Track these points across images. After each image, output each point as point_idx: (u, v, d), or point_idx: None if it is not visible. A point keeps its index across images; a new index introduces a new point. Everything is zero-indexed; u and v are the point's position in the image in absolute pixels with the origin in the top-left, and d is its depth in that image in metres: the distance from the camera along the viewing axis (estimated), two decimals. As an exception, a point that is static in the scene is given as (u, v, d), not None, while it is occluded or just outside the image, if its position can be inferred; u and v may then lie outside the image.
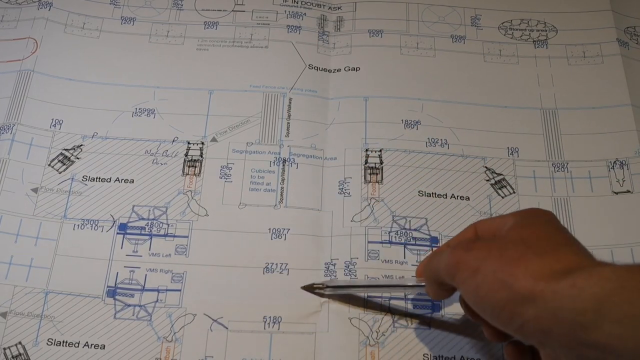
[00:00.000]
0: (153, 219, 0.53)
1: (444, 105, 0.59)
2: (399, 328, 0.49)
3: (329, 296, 0.50)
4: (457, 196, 0.54)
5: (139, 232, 0.52)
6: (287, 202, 0.54)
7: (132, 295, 0.50)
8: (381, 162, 0.56)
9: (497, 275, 0.36)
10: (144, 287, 0.50)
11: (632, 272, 0.32)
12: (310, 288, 0.50)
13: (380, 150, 0.56)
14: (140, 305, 0.49)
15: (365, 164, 0.56)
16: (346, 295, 0.49)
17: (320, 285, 0.50)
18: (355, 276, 0.51)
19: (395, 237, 0.52)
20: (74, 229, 0.52)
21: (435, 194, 0.54)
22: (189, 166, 0.55)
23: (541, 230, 0.38)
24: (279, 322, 0.49)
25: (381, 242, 0.52)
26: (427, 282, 0.44)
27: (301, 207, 0.54)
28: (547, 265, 0.35)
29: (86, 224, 0.52)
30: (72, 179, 0.54)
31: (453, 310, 0.50)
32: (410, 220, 0.53)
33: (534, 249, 0.36)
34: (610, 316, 0.31)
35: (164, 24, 0.64)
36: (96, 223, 0.52)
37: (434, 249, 0.51)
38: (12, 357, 0.47)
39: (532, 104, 0.59)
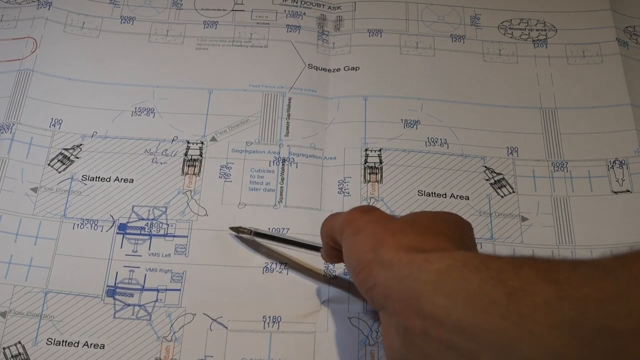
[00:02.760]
0: (153, 219, 0.53)
1: (444, 104, 0.59)
2: (398, 327, 0.49)
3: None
4: (457, 196, 0.54)
5: (138, 232, 0.52)
6: (287, 202, 0.54)
7: (132, 295, 0.50)
8: (380, 162, 0.56)
9: (372, 238, 0.37)
10: (143, 286, 0.50)
11: (479, 255, 0.33)
12: (236, 229, 0.52)
13: (380, 150, 0.56)
14: (139, 305, 0.49)
15: (365, 163, 0.56)
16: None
17: (246, 230, 0.51)
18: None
19: (395, 236, 0.52)
20: (73, 229, 0.52)
21: (434, 193, 0.54)
22: (188, 165, 0.55)
23: (439, 223, 0.39)
24: (278, 322, 0.49)
25: (381, 242, 0.52)
26: (323, 239, 0.45)
27: (301, 206, 0.54)
28: (419, 242, 0.36)
29: (86, 224, 0.52)
30: (72, 178, 0.54)
31: (452, 309, 0.50)
32: (409, 220, 0.53)
33: (417, 229, 0.37)
34: (444, 289, 0.32)
35: (163, 24, 0.64)
36: (96, 223, 0.52)
37: None
38: (12, 356, 0.47)
39: (531, 104, 0.59)
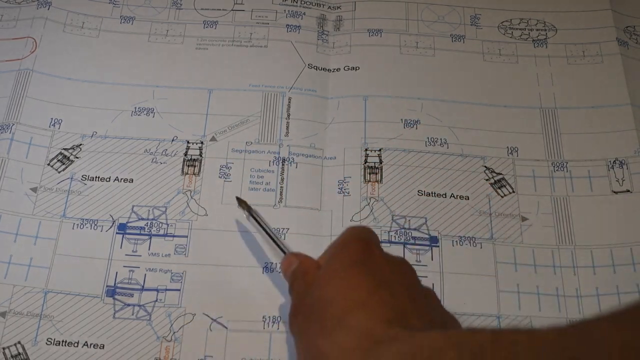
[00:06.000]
0: (152, 219, 0.53)
1: (444, 104, 0.59)
2: (398, 327, 0.49)
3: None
4: (457, 195, 0.54)
5: (138, 232, 0.52)
6: (287, 202, 0.54)
7: (132, 295, 0.50)
8: (380, 162, 0.56)
9: (308, 356, 0.36)
10: (143, 286, 0.50)
11: (415, 353, 0.31)
12: (242, 201, 0.50)
13: (380, 150, 0.56)
14: (139, 305, 0.49)
15: (365, 163, 0.56)
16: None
17: (248, 206, 0.50)
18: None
19: (395, 236, 0.52)
20: (73, 229, 0.52)
21: (434, 193, 0.54)
22: (188, 165, 0.55)
23: (343, 283, 0.37)
24: (278, 322, 0.49)
25: (380, 242, 0.52)
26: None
27: (300, 206, 0.54)
28: (342, 345, 0.34)
29: (85, 224, 0.52)
30: (72, 178, 0.54)
31: (452, 309, 0.50)
32: (409, 220, 0.53)
33: (332, 320, 0.35)
34: None
35: (163, 23, 0.64)
36: (95, 222, 0.52)
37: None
38: (12, 356, 0.47)
39: (531, 104, 0.59)
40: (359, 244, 0.40)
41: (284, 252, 0.46)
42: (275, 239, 0.48)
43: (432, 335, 0.32)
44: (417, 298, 0.38)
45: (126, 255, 0.51)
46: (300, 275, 0.42)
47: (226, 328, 0.49)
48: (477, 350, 0.29)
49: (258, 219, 0.49)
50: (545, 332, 0.28)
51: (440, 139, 0.57)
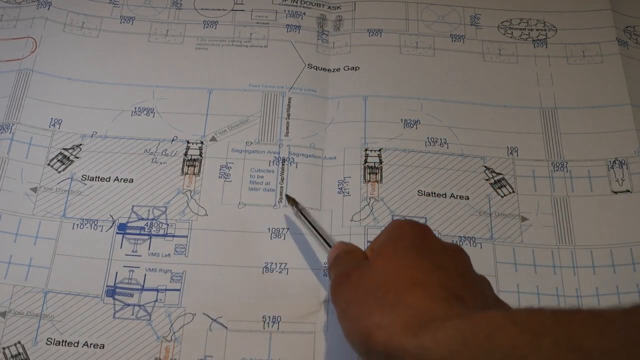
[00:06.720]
0: (152, 219, 0.53)
1: (444, 104, 0.59)
2: (398, 327, 0.49)
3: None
4: (457, 195, 0.54)
5: (138, 232, 0.52)
6: (287, 202, 0.54)
7: (132, 295, 0.50)
8: (380, 162, 0.56)
9: (358, 325, 0.36)
10: (143, 286, 0.50)
11: (475, 328, 0.31)
12: (293, 201, 0.51)
13: (380, 150, 0.56)
14: (139, 305, 0.49)
15: (365, 163, 0.56)
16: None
17: (296, 203, 0.51)
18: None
19: (395, 236, 0.52)
20: (73, 229, 0.52)
21: (434, 193, 0.54)
22: (188, 165, 0.55)
23: (399, 263, 0.38)
24: (278, 322, 0.49)
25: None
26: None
27: (300, 206, 0.54)
28: (400, 318, 0.34)
29: (85, 224, 0.52)
30: (71, 178, 0.54)
31: (452, 309, 0.50)
32: (409, 220, 0.53)
33: (389, 296, 0.36)
34: None
35: (163, 23, 0.64)
36: (95, 222, 0.52)
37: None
38: (12, 356, 0.47)
39: (531, 104, 0.59)
40: (415, 228, 0.40)
41: (330, 247, 0.47)
42: (322, 235, 0.48)
43: (492, 314, 0.32)
44: (472, 283, 0.39)
45: (126, 255, 0.51)
46: (344, 254, 0.43)
47: (226, 328, 0.49)
48: (538, 328, 0.29)
49: (306, 215, 0.50)
50: (608, 311, 0.29)
51: (440, 139, 0.57)
